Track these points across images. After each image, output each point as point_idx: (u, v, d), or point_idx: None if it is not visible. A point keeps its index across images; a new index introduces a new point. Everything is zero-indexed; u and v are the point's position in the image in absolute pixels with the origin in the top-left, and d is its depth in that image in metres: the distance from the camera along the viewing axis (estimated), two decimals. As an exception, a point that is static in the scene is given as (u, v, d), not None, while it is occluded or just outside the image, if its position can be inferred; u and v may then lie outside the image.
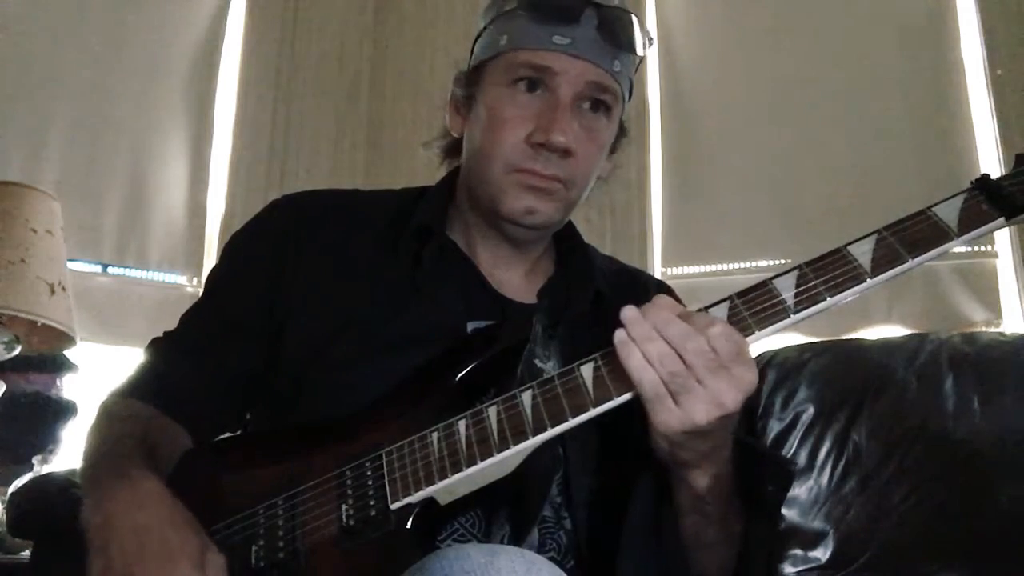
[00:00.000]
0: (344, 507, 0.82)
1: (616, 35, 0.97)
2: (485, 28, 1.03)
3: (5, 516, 1.77)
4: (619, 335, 0.79)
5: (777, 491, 0.91)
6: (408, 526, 0.81)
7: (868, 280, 0.79)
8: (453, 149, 1.10)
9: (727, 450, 0.85)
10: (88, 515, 0.82)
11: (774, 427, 1.71)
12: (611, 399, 0.79)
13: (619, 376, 0.79)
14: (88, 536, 0.80)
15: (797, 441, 1.69)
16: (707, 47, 2.99)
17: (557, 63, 0.95)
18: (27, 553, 1.82)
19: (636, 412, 1.01)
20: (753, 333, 0.80)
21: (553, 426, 0.79)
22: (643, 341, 0.77)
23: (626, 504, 1.00)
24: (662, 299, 0.81)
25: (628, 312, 0.79)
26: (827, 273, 0.80)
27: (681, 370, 0.76)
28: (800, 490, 1.65)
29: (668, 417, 0.77)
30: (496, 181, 0.97)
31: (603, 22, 0.97)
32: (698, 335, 0.76)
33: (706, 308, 0.81)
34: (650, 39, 1.02)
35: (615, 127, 1.04)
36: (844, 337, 2.16)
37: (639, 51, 1.01)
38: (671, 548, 0.91)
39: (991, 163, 2.54)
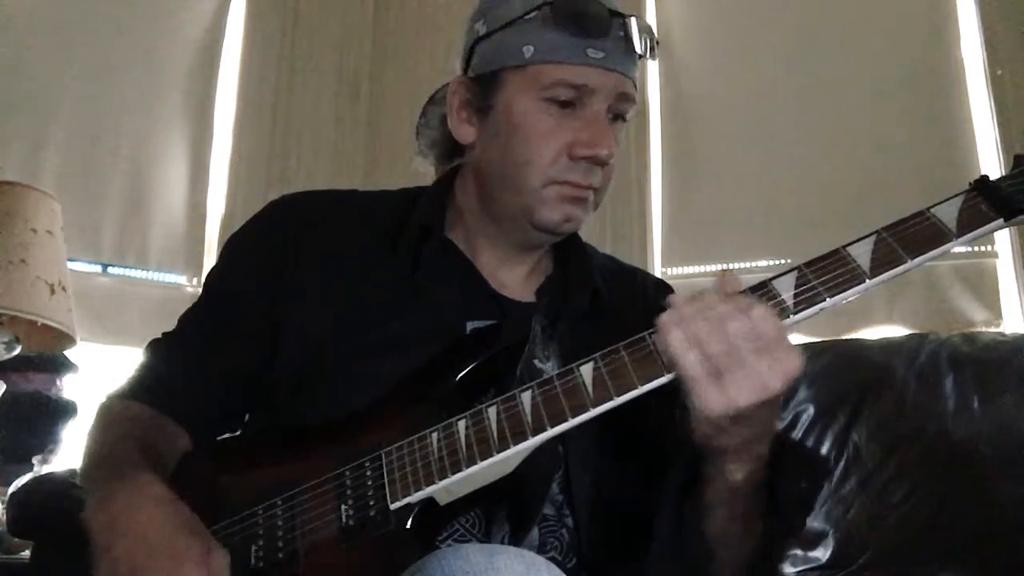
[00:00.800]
0: (344, 507, 0.82)
1: (636, 44, 0.97)
2: (494, 32, 0.99)
3: (5, 516, 1.77)
4: (662, 318, 0.78)
5: (810, 488, 0.89)
6: (408, 526, 0.80)
7: (867, 281, 0.79)
8: (450, 153, 1.10)
9: (765, 445, 0.83)
10: (91, 517, 0.82)
11: (774, 427, 1.70)
12: (610, 399, 0.79)
13: (619, 376, 0.79)
14: (92, 538, 0.80)
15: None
16: (707, 47, 2.99)
17: (593, 79, 0.95)
18: (27, 553, 1.82)
19: (650, 411, 1.01)
20: (753, 333, 0.80)
21: (553, 426, 0.79)
22: (685, 323, 0.77)
23: (627, 503, 1.00)
24: (725, 282, 0.80)
25: (673, 297, 0.80)
26: (826, 274, 0.80)
27: (723, 351, 0.75)
28: (800, 490, 1.65)
29: (711, 399, 0.76)
30: (533, 192, 0.97)
31: (626, 32, 0.97)
32: (742, 316, 0.76)
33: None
34: (657, 42, 1.02)
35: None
36: (844, 337, 2.17)
37: (653, 57, 1.01)
38: (694, 548, 0.89)
39: (991, 163, 2.54)
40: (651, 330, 0.81)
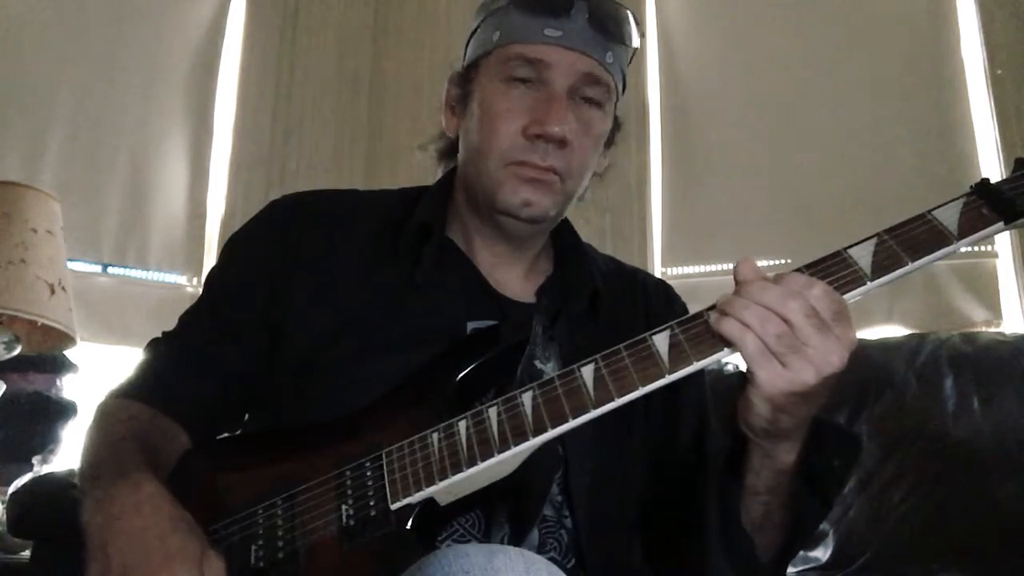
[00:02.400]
0: (344, 507, 0.82)
1: (607, 27, 0.98)
2: (478, 27, 1.04)
3: (5, 516, 1.77)
4: (713, 315, 0.78)
5: (843, 465, 0.88)
6: (408, 526, 0.81)
7: (868, 283, 0.79)
8: (449, 150, 1.10)
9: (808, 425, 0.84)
10: (88, 516, 0.82)
11: (774, 427, 1.71)
12: (612, 400, 0.79)
13: (620, 377, 0.79)
14: (87, 536, 0.80)
15: (797, 441, 1.69)
16: (707, 47, 2.99)
17: (549, 55, 0.96)
18: (27, 553, 1.82)
19: (651, 412, 1.01)
20: (753, 334, 0.80)
21: (553, 427, 0.79)
22: (739, 311, 0.76)
23: (626, 503, 1.00)
24: (745, 268, 0.80)
25: (723, 296, 0.79)
26: (827, 275, 0.80)
27: (785, 331, 0.75)
28: (800, 490, 1.65)
29: (776, 378, 0.76)
30: (493, 175, 0.98)
31: (594, 14, 0.97)
32: (798, 296, 0.76)
33: (707, 310, 0.81)
34: (641, 31, 1.02)
35: (610, 119, 1.04)
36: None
37: (632, 43, 1.01)
38: (737, 537, 0.89)
39: (991, 163, 2.54)
40: (652, 331, 0.81)
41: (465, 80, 1.04)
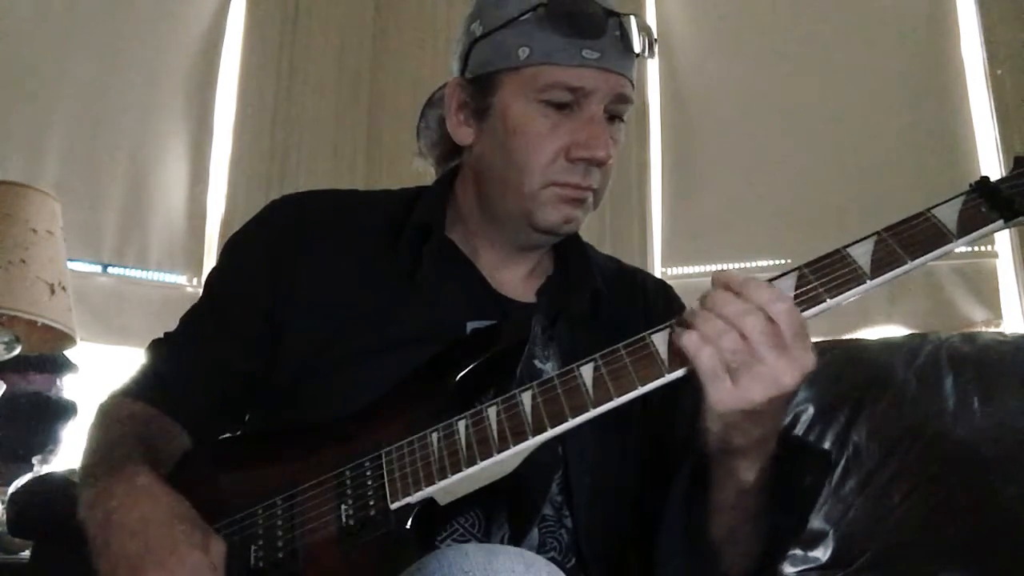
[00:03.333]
0: (343, 507, 0.82)
1: (633, 43, 0.97)
2: (490, 33, 0.99)
3: (5, 516, 1.77)
4: (683, 315, 0.79)
5: (815, 482, 0.88)
6: (407, 526, 0.81)
7: (868, 282, 0.79)
8: (450, 153, 1.10)
9: (774, 442, 0.83)
10: (85, 511, 0.82)
11: (774, 427, 1.70)
12: (611, 400, 0.79)
13: (619, 377, 0.79)
14: (89, 534, 0.81)
15: (797, 441, 1.69)
16: (707, 47, 2.99)
17: (590, 80, 0.95)
18: (27, 553, 1.82)
19: (650, 412, 1.01)
20: (752, 334, 0.80)
21: (553, 426, 0.79)
22: (700, 323, 0.77)
23: (626, 503, 1.00)
24: (716, 277, 0.80)
25: (689, 310, 0.79)
26: (827, 275, 0.80)
27: (740, 347, 0.75)
28: (800, 490, 1.65)
29: (725, 395, 0.76)
30: (533, 195, 0.97)
31: (623, 30, 0.96)
32: (758, 311, 0.75)
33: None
34: (656, 40, 1.02)
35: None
36: (844, 337, 2.17)
37: (653, 55, 1.01)
38: (702, 553, 0.89)
39: (991, 163, 2.54)
40: (651, 330, 0.81)
41: (480, 90, 1.00)
